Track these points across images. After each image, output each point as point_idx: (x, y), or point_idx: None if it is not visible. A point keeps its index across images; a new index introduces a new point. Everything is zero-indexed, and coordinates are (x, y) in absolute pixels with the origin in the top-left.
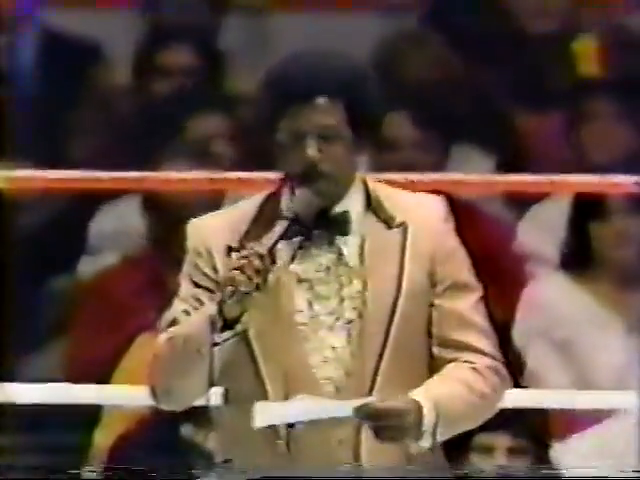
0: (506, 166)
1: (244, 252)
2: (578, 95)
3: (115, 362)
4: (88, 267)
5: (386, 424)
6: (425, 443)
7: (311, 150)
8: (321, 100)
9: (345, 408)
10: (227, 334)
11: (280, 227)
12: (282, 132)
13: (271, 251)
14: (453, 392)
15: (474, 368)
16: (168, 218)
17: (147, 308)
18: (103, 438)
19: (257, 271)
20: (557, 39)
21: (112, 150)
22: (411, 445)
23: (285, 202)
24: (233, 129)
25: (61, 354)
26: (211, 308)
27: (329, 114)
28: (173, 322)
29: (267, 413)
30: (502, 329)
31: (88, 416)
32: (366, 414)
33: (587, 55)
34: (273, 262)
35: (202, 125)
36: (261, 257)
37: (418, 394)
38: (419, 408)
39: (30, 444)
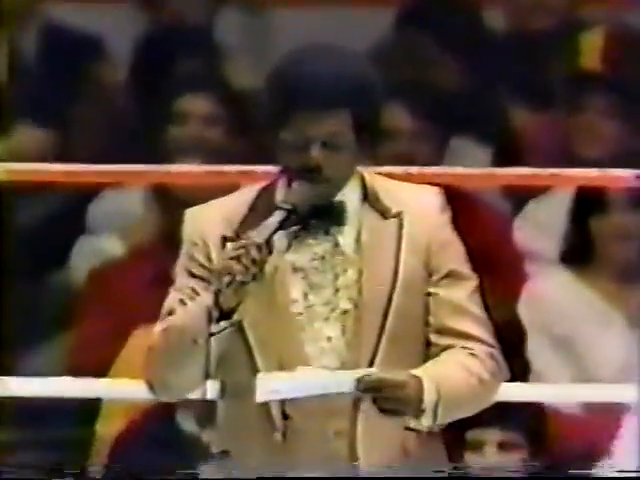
0: (502, 159)
1: (241, 242)
2: (578, 89)
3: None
4: (85, 248)
5: (387, 395)
6: (426, 421)
7: (314, 156)
8: (328, 107)
9: (347, 379)
10: (224, 324)
11: (276, 217)
12: (287, 134)
13: (268, 241)
14: (453, 373)
15: (472, 354)
16: (175, 210)
17: (150, 302)
18: (103, 432)
19: (254, 261)
20: (557, 35)
21: (113, 144)
22: (412, 422)
23: (281, 194)
24: (224, 113)
25: (63, 348)
26: (207, 298)
27: (336, 121)
28: (170, 313)
29: (268, 386)
30: (501, 322)
31: (89, 410)
32: (368, 384)
33: (592, 50)
34: (270, 252)
35: (189, 105)
36: (258, 247)
37: (419, 371)
38: (420, 383)
39: (30, 438)
